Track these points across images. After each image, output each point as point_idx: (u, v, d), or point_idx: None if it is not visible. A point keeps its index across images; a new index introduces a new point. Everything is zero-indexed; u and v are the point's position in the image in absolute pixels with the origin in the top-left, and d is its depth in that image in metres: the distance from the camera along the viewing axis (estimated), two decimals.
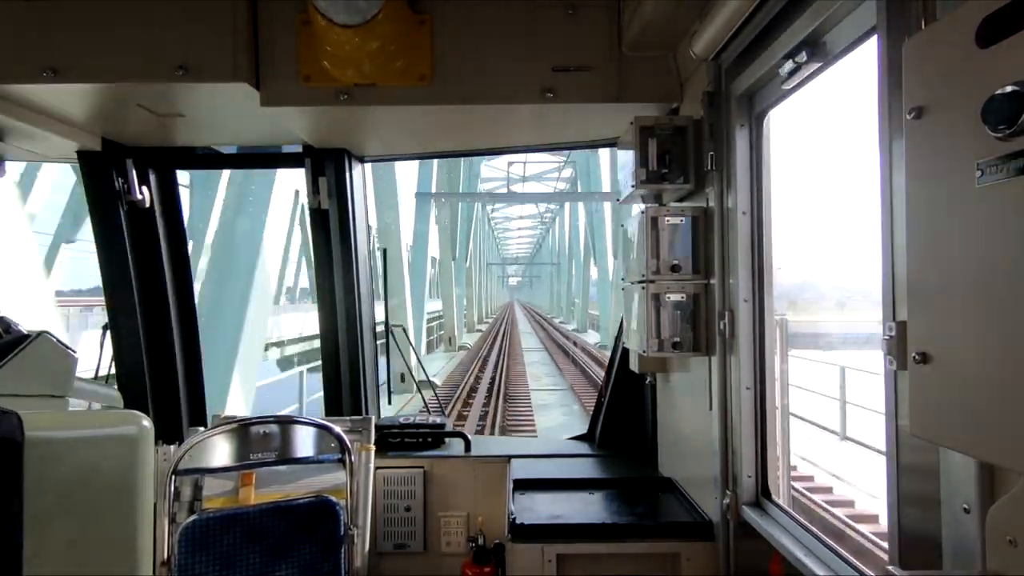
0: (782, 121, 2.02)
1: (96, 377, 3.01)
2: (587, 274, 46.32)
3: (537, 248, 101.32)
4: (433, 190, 27.84)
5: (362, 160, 3.16)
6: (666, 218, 2.24)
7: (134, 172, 2.92)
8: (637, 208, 2.44)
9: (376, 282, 3.48)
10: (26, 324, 2.29)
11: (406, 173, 23.00)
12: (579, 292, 51.82)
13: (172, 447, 2.66)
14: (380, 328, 3.41)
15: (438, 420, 3.25)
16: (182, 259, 3.22)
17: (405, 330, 3.83)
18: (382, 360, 3.44)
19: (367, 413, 3.20)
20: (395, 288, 21.52)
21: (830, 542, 1.69)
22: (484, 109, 2.43)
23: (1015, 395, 0.83)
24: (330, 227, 3.07)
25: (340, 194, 3.01)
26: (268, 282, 10.56)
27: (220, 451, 2.47)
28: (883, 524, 6.09)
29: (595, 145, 3.04)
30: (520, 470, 2.85)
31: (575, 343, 30.01)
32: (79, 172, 2.95)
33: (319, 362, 3.39)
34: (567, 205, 58.24)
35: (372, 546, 2.83)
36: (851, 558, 1.61)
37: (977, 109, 0.85)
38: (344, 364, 3.17)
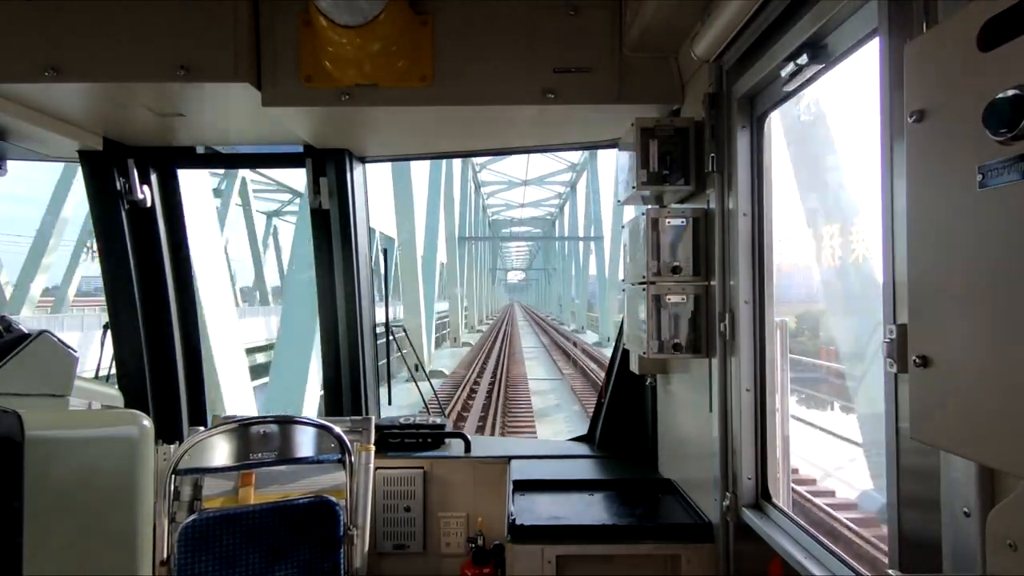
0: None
1: (96, 376, 3.01)
2: (586, 275, 45.88)
3: (538, 250, 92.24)
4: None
5: (363, 160, 3.16)
6: (667, 219, 2.24)
7: (135, 172, 2.93)
8: (638, 209, 2.44)
9: (377, 282, 3.48)
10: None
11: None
12: (578, 293, 51.61)
13: (172, 446, 2.66)
14: (381, 329, 3.41)
15: (438, 420, 3.25)
16: (183, 259, 3.22)
17: (405, 330, 3.83)
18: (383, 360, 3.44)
19: (367, 413, 3.20)
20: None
21: (830, 545, 1.69)
22: (485, 110, 2.44)
23: (1015, 399, 0.83)
24: (331, 227, 3.07)
25: (341, 194, 3.01)
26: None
27: (220, 451, 2.47)
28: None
29: (596, 146, 3.04)
30: (520, 471, 2.85)
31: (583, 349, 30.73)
32: (81, 171, 2.95)
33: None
34: (567, 205, 56.56)
35: (371, 546, 2.83)
36: (851, 561, 1.61)
37: (978, 113, 0.85)
38: (344, 364, 3.17)
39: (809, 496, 5.89)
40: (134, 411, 1.50)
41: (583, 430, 3.47)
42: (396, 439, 3.13)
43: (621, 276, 2.72)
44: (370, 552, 2.73)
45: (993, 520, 0.96)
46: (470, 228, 43.12)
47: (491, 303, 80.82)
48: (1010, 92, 0.81)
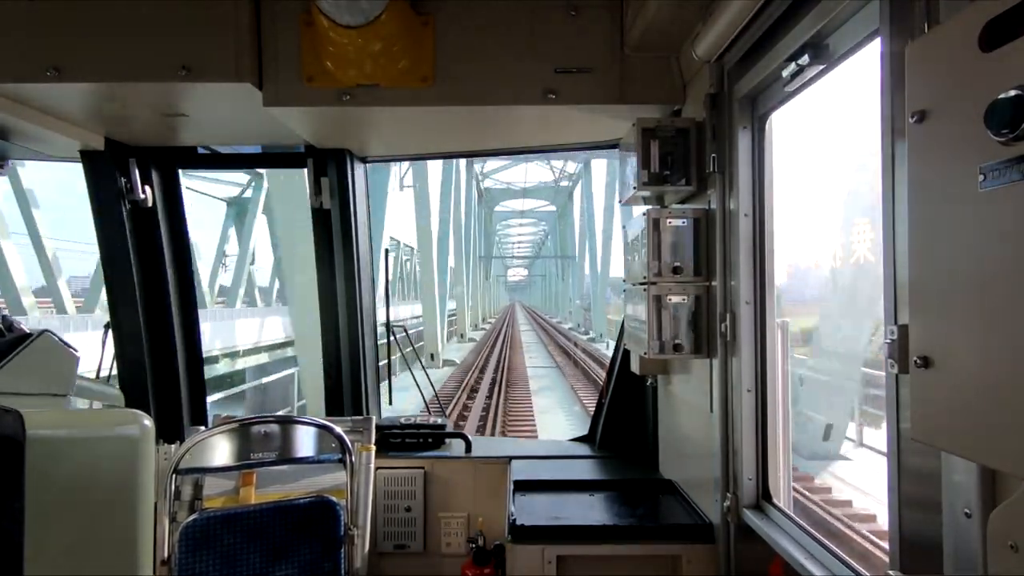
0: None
1: (98, 376, 3.01)
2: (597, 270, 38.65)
3: (547, 235, 75.66)
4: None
5: (364, 160, 3.16)
6: (668, 220, 2.23)
7: (137, 171, 2.93)
8: (639, 210, 2.44)
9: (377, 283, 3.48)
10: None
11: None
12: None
13: (173, 446, 2.66)
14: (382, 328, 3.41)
15: (439, 421, 3.26)
16: (184, 258, 3.22)
17: (406, 330, 3.83)
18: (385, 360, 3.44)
19: (368, 413, 3.20)
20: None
21: (831, 545, 1.69)
22: (486, 110, 2.44)
23: (1016, 400, 0.83)
24: (332, 227, 3.08)
25: (342, 194, 3.02)
26: None
27: (221, 450, 2.48)
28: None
29: (597, 147, 3.04)
30: (520, 471, 2.84)
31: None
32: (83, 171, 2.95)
33: None
34: (577, 193, 44.97)
35: (372, 546, 2.83)
36: (852, 562, 1.61)
37: (980, 113, 0.85)
38: (345, 364, 3.17)
39: None
40: (135, 411, 1.50)
41: None
42: (397, 439, 3.14)
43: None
44: (371, 552, 2.73)
45: (994, 521, 0.96)
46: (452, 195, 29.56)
47: (486, 304, 62.53)
48: (1011, 92, 0.81)
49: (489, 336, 39.32)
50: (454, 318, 35.44)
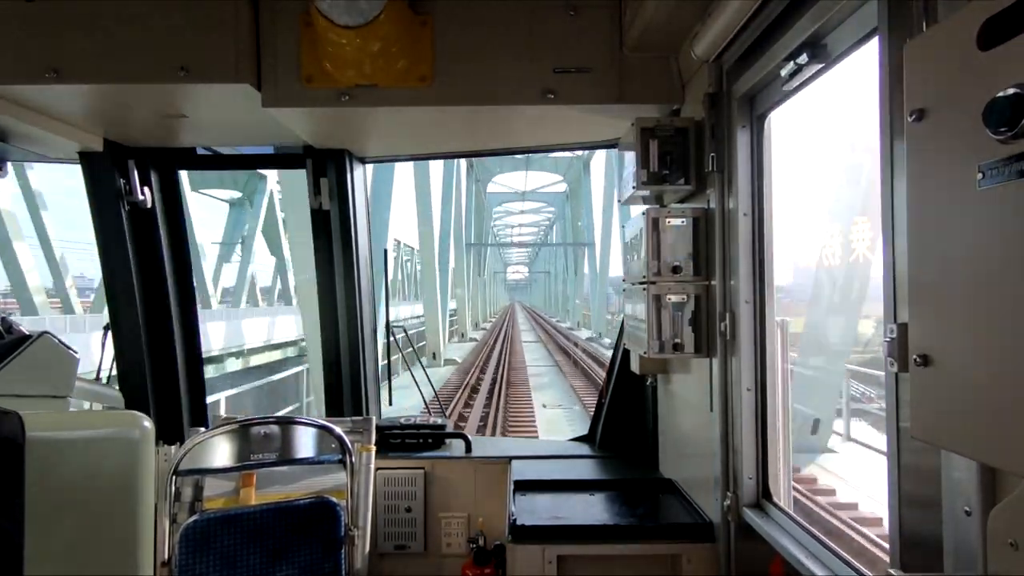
0: None
1: (97, 377, 3.01)
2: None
3: (554, 222, 66.08)
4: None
5: (363, 161, 3.16)
6: (667, 219, 2.24)
7: (136, 173, 2.93)
8: (638, 209, 2.44)
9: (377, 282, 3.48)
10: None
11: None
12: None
13: (173, 447, 2.66)
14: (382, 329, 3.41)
15: (439, 421, 3.26)
16: (184, 259, 3.22)
17: (406, 330, 3.83)
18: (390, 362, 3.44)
19: (368, 414, 3.20)
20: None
21: (831, 544, 1.69)
22: (485, 110, 2.43)
23: (1016, 398, 0.83)
24: (331, 228, 3.08)
25: (341, 195, 3.02)
26: None
27: (221, 451, 2.48)
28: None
29: (596, 146, 3.04)
30: (521, 471, 2.85)
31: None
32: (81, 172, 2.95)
33: None
34: (597, 161, 37.28)
35: (372, 547, 2.83)
36: (852, 560, 1.61)
37: (978, 111, 0.85)
38: (345, 365, 3.17)
39: None
40: (135, 412, 1.51)
41: None
42: (397, 439, 3.14)
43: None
44: (371, 553, 2.73)
45: (994, 519, 0.96)
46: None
47: (479, 309, 49.31)
48: (1010, 91, 0.81)
49: (478, 357, 26.34)
50: (422, 328, 25.55)
